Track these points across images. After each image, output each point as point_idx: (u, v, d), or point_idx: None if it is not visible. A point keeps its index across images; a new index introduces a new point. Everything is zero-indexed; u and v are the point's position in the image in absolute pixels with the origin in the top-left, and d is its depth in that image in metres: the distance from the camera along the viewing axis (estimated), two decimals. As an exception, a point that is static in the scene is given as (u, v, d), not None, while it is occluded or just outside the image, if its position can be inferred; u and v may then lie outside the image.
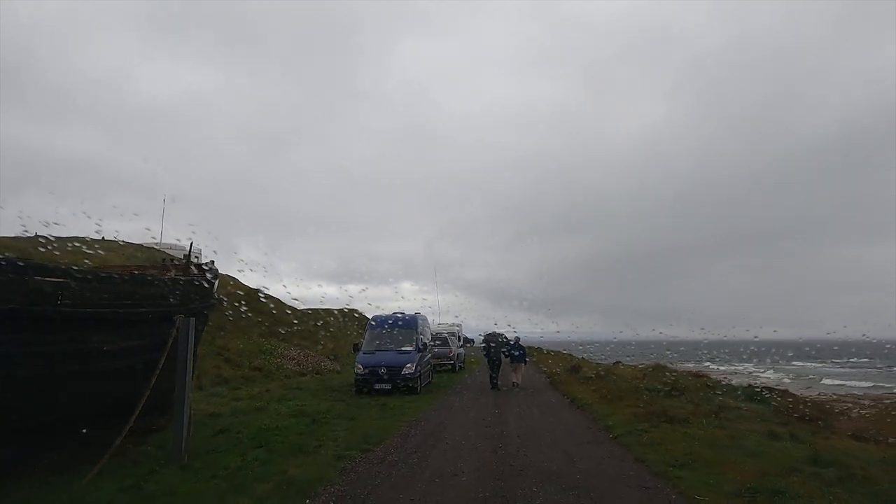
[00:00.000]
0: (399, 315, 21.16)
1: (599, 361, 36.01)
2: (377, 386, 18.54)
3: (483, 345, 22.57)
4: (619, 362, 32.72)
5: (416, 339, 20.13)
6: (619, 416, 11.58)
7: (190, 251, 10.94)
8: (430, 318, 40.61)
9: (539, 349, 44.80)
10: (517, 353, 21.11)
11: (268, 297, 23.35)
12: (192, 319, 9.25)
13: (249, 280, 32.31)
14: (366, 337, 20.46)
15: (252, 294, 27.69)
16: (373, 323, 20.95)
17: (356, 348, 20.14)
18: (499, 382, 20.43)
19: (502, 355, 21.26)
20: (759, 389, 16.73)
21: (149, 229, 40.39)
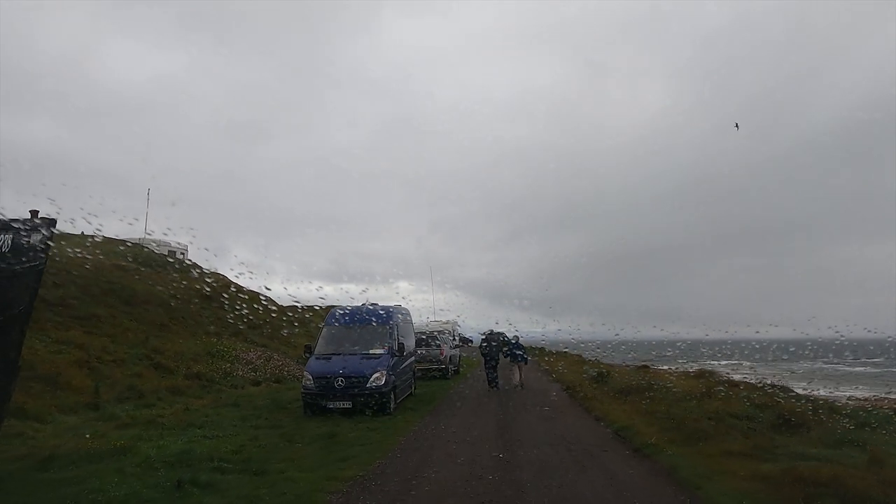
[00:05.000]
0: (369, 308, 15.83)
1: (611, 362, 30.79)
2: (331, 404, 13.30)
3: (483, 344, 20.91)
4: (648, 366, 27.28)
5: (391, 338, 14.83)
6: (735, 483, 6.19)
7: None
8: (425, 316, 35.35)
9: (542, 349, 39.45)
10: (517, 353, 19.84)
11: (269, 299, 18.63)
12: None
13: (244, 282, 27.67)
14: (320, 336, 15.15)
15: (254, 297, 22.38)
16: (334, 318, 15.59)
17: (308, 352, 14.81)
18: (500, 381, 19.61)
19: (502, 355, 20.32)
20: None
21: (150, 233, 36.22)
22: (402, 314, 17.14)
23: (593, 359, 32.05)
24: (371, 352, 14.35)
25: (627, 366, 31.99)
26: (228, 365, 22.19)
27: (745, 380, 18.24)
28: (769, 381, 14.56)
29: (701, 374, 19.05)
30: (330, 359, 14.10)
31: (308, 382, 13.62)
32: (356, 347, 14.59)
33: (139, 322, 23.68)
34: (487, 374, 20.03)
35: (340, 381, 13.37)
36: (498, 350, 20.37)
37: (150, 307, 25.76)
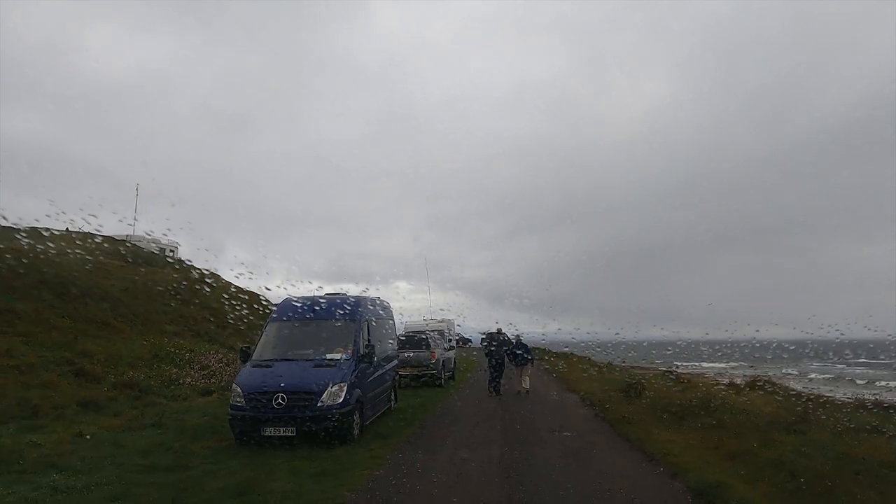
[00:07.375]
0: (331, 298, 11.98)
1: (620, 363, 27.11)
2: (268, 431, 9.52)
3: (484, 344, 19.34)
4: (679, 372, 23.44)
5: (358, 339, 11.01)
6: None
7: None
8: (421, 315, 31.26)
9: (543, 349, 35.85)
10: (521, 354, 17.86)
11: (268, 300, 15.40)
12: None
13: (243, 283, 24.70)
14: (263, 335, 11.32)
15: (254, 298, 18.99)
16: (284, 311, 11.73)
17: (245, 356, 10.94)
18: (502, 385, 17.90)
19: (506, 357, 18.27)
20: None
21: (151, 232, 33.50)
22: (377, 307, 13.34)
23: (605, 361, 28.26)
24: (329, 357, 10.55)
25: (643, 369, 28.39)
26: (175, 370, 18.33)
27: (810, 390, 14.35)
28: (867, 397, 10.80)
29: (755, 383, 15.26)
30: (270, 367, 10.30)
31: (238, 400, 9.81)
32: (309, 351, 10.80)
33: (73, 319, 19.86)
34: (489, 382, 18.15)
35: (281, 399, 9.56)
36: (499, 352, 18.15)
37: (90, 301, 21.94)
